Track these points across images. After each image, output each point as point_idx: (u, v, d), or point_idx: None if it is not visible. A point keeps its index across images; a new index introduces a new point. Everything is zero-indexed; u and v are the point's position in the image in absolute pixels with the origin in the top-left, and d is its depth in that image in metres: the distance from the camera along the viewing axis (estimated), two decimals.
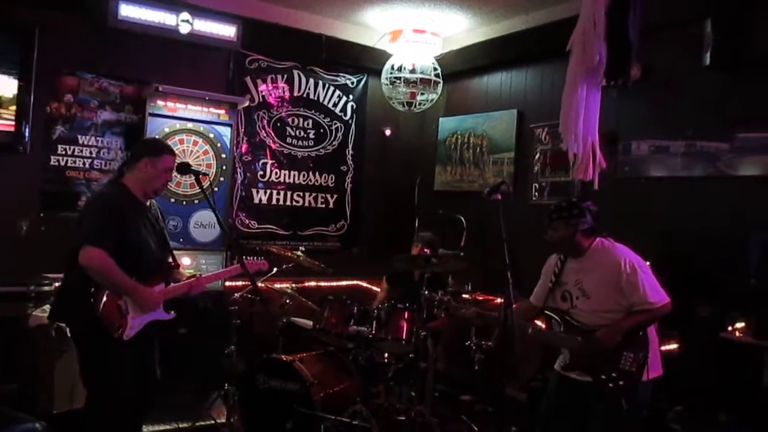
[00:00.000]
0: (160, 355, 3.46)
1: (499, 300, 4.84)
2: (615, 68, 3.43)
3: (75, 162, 4.84)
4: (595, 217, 3.20)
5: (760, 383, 3.52)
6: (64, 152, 4.79)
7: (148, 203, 3.38)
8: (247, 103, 5.45)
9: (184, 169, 3.49)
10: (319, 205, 6.08)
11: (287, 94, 5.85)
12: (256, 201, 5.75)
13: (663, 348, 3.95)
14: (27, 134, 4.58)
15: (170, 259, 3.43)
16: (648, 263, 3.92)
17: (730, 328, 3.66)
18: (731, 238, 3.85)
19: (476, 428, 4.27)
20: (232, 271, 3.95)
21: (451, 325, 4.93)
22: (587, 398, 3.10)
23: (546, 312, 3.33)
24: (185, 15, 4.93)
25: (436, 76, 5.67)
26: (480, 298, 4.67)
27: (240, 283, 4.96)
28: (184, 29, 4.95)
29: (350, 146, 6.23)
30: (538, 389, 3.90)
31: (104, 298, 3.05)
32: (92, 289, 3.03)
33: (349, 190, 6.25)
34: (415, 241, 4.92)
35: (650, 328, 3.12)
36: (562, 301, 3.27)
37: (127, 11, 4.68)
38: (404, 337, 4.00)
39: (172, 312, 3.36)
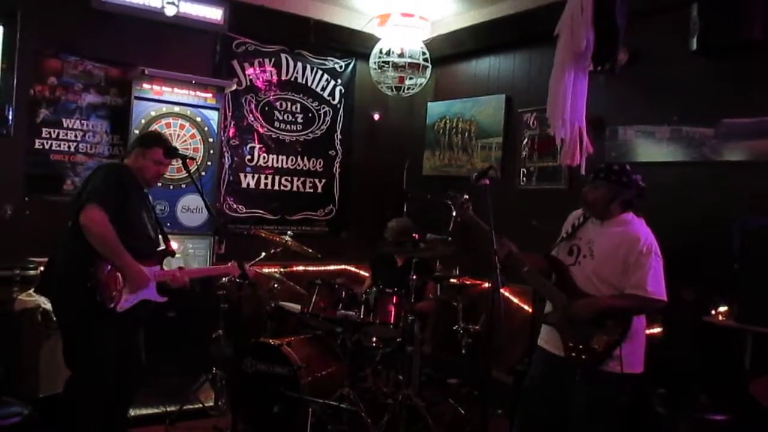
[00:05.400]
0: (149, 339, 3.47)
1: (486, 285, 4.88)
2: (602, 53, 3.44)
3: (60, 145, 4.78)
4: (638, 194, 3.10)
5: (741, 366, 3.57)
6: (48, 135, 4.74)
7: (146, 191, 3.46)
8: (234, 87, 5.41)
9: (171, 152, 3.49)
10: (308, 189, 6.07)
11: (275, 77, 5.81)
12: (244, 185, 5.73)
13: (647, 332, 4.02)
14: (10, 117, 4.53)
15: (165, 246, 3.47)
16: None
17: (713, 312, 3.70)
18: (715, 223, 3.88)
19: (463, 411, 4.31)
20: (220, 270, 4.04)
21: (437, 309, 4.96)
22: (566, 375, 3.04)
23: (549, 257, 3.24)
24: None
25: (425, 60, 5.64)
26: (468, 282, 4.69)
27: None
28: (170, 11, 4.88)
29: (338, 131, 6.21)
30: (524, 372, 3.92)
31: (106, 266, 3.10)
32: (94, 258, 3.07)
33: (337, 174, 6.23)
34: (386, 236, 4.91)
35: (640, 325, 3.03)
36: (567, 255, 3.19)
37: None
38: (392, 322, 4.02)
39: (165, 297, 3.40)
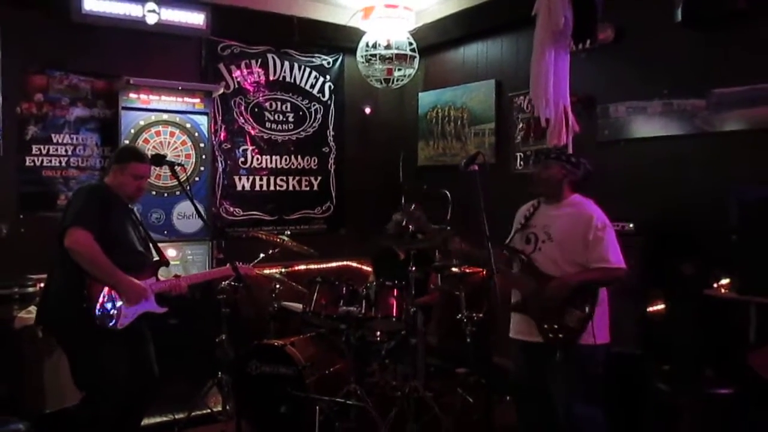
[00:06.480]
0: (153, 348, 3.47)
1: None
2: (582, 30, 3.40)
3: (51, 161, 4.78)
4: (585, 176, 3.28)
5: (746, 338, 3.54)
6: (39, 152, 4.73)
7: (130, 206, 3.45)
8: (222, 91, 5.38)
9: (160, 160, 3.49)
10: (303, 188, 6.05)
11: (263, 78, 5.79)
12: (239, 188, 5.72)
13: (649, 309, 3.99)
14: None
15: (157, 257, 3.47)
16: (631, 225, 3.96)
17: (714, 285, 3.66)
18: (712, 195, 3.84)
19: (471, 400, 4.30)
20: (219, 273, 4.02)
21: (440, 300, 4.94)
22: (546, 358, 3.12)
23: (508, 248, 3.34)
24: (151, 5, 4.84)
25: (412, 50, 5.61)
26: (469, 271, 4.66)
27: None
28: (152, 19, 4.86)
29: (331, 127, 6.18)
30: None
31: (99, 286, 3.09)
32: (85, 280, 3.06)
33: (332, 171, 6.21)
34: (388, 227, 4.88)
35: (603, 296, 3.15)
36: (525, 244, 3.30)
37: (90, 5, 4.62)
38: (394, 315, 4.00)
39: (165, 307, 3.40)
